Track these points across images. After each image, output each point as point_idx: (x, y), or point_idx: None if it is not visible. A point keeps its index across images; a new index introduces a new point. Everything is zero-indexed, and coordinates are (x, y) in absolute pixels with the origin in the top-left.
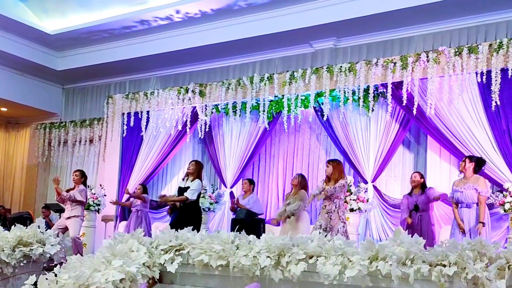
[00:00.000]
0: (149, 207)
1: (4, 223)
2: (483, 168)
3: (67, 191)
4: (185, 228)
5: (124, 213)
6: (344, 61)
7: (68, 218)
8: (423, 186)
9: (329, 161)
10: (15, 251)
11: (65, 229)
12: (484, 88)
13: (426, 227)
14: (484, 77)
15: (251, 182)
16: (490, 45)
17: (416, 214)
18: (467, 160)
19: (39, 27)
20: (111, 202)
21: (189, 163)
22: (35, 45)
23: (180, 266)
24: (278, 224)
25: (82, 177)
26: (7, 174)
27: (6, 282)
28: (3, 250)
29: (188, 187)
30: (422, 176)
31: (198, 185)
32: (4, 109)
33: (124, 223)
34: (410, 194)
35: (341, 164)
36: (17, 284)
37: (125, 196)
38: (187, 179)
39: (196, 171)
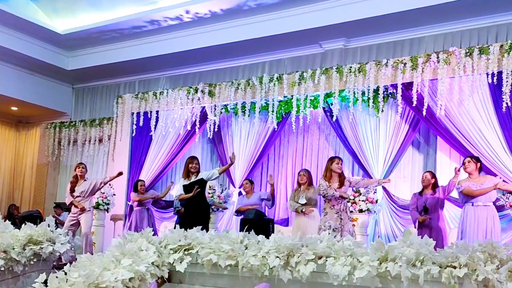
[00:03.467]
0: (158, 207)
1: (15, 222)
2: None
3: (71, 188)
4: (196, 223)
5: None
6: (353, 62)
7: (82, 212)
8: (434, 186)
9: (340, 158)
10: (25, 249)
11: (77, 224)
12: (495, 89)
13: (436, 229)
14: (495, 78)
15: (252, 182)
16: (501, 45)
17: (426, 216)
18: (473, 160)
19: (50, 27)
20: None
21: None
22: (45, 45)
23: (189, 266)
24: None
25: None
26: (17, 173)
27: (17, 280)
28: (13, 248)
29: (196, 181)
30: (433, 176)
31: (205, 172)
32: (14, 109)
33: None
34: (420, 193)
35: None
36: (27, 282)
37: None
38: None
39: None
